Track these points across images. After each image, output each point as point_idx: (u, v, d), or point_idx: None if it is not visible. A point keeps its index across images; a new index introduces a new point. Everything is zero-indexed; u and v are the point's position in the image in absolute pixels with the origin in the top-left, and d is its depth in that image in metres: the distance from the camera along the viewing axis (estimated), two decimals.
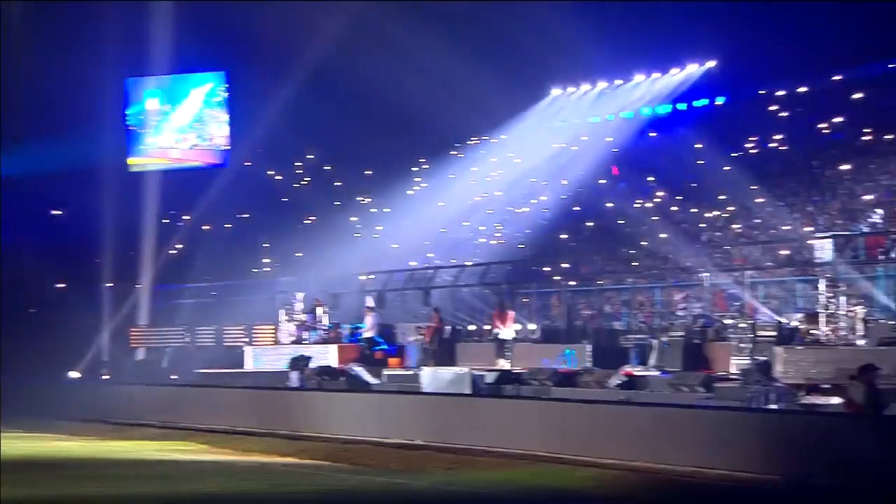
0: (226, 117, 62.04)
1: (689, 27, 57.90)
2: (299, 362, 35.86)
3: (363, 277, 46.86)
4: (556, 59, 61.78)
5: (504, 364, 34.15)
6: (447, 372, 32.82)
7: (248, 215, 64.30)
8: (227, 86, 63.08)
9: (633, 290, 40.94)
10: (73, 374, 46.15)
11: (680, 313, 38.95)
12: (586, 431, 24.71)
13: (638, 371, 30.49)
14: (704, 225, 46.71)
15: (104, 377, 44.42)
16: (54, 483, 22.87)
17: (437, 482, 22.69)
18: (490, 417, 27.48)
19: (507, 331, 35.46)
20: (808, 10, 55.45)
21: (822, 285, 29.38)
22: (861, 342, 27.80)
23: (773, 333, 30.01)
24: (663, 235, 47.99)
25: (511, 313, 36.16)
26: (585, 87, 63.44)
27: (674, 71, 61.16)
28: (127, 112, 63.24)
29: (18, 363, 46.07)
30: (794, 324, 30.99)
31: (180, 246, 61.00)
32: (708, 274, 37.40)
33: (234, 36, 60.86)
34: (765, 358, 26.64)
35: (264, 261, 60.40)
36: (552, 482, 22.08)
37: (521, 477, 22.73)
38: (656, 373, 30.34)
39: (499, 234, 55.90)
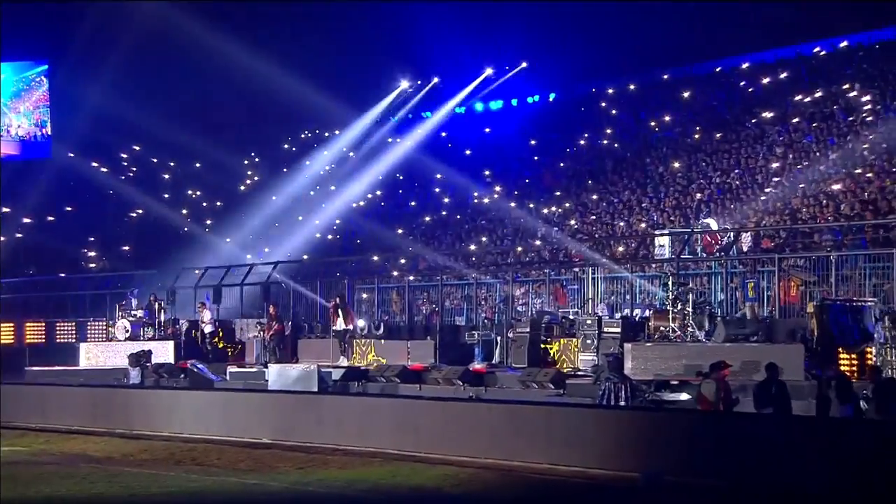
0: (27, 107, 61.82)
1: (523, 24, 59.06)
2: (140, 358, 35.31)
3: (197, 272, 46.17)
4: (396, 55, 62.62)
5: (346, 361, 34.04)
6: (293, 369, 32.60)
7: (71, 208, 63.41)
8: (47, 73, 62.63)
9: (475, 286, 40.91)
10: None
11: (521, 308, 39.24)
12: (438, 429, 24.59)
13: (486, 367, 30.49)
14: (541, 220, 46.95)
15: None
16: None
17: (292, 482, 22.42)
18: (339, 415, 27.15)
19: (346, 325, 35.18)
20: (636, 9, 56.95)
21: (669, 282, 29.63)
22: (705, 338, 28.20)
23: (619, 329, 29.97)
24: (504, 230, 48.77)
25: (350, 310, 36.00)
26: (434, 80, 64.14)
27: (506, 67, 62.19)
28: None
29: None
30: (638, 319, 31.38)
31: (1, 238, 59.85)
32: (548, 270, 37.55)
33: (58, 27, 60.17)
34: (615, 353, 26.81)
35: (90, 254, 59.46)
36: (407, 481, 21.99)
37: (376, 475, 22.53)
38: (504, 369, 30.40)
39: (335, 229, 55.96)
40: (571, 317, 33.54)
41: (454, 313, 41.54)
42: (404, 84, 63.78)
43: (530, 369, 29.05)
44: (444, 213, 54.02)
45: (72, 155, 63.52)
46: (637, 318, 31.57)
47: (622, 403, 24.05)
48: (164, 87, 62.59)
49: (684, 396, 24.63)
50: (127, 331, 39.32)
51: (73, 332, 41.25)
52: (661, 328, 28.73)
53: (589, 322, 30.93)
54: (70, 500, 21.40)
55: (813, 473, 18.75)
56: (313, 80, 57.70)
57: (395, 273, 45.04)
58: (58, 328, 41.56)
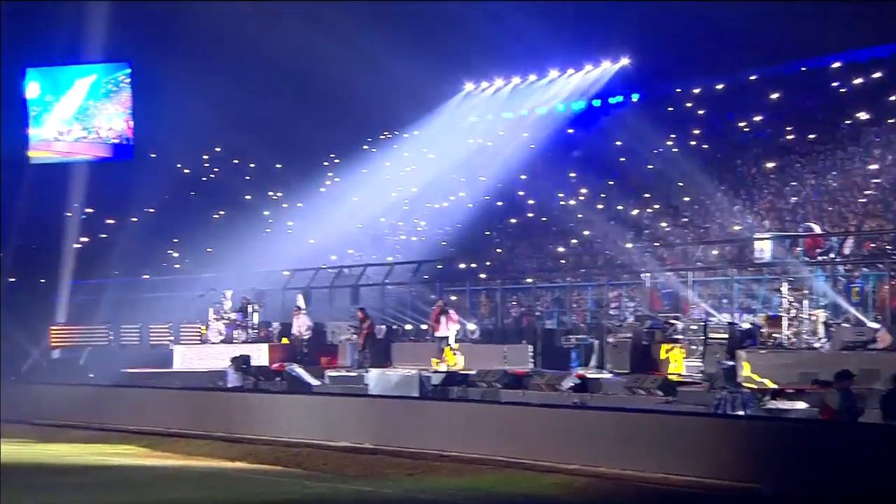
0: (117, 109, 61.43)
1: (603, 24, 58.52)
2: (241, 362, 35.49)
3: (286, 274, 46.37)
4: (469, 54, 62.14)
5: (444, 366, 33.75)
6: (394, 374, 32.67)
7: (153, 209, 63.71)
8: (130, 76, 62.59)
9: (565, 289, 40.81)
10: None
11: (613, 312, 39.06)
12: (546, 436, 24.36)
13: (591, 373, 30.14)
14: (630, 223, 46.74)
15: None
16: (9, 493, 22.19)
17: (405, 490, 22.35)
18: (444, 421, 27.03)
19: (447, 331, 35.00)
20: (724, 9, 56.22)
21: (784, 287, 29.14)
22: (820, 345, 27.81)
23: (725, 336, 29.65)
24: (587, 233, 48.44)
25: (452, 313, 35.63)
26: (499, 82, 63.74)
27: (588, 67, 61.63)
28: (30, 102, 62.55)
29: None
30: (746, 325, 30.90)
31: (85, 239, 60.30)
32: (648, 273, 37.28)
33: (139, 27, 60.35)
34: (731, 363, 26.34)
35: (173, 255, 59.76)
36: (521, 489, 21.88)
37: (489, 483, 22.48)
38: (608, 375, 30.05)
39: (420, 231, 55.84)
40: (673, 321, 33.22)
41: (544, 317, 41.45)
42: (469, 86, 63.67)
43: (637, 375, 28.80)
44: (529, 214, 53.84)
45: (153, 156, 63.95)
46: (743, 325, 31.17)
47: (739, 413, 23.65)
48: (245, 89, 62.71)
49: (801, 405, 24.09)
50: (221, 333, 39.51)
51: (167, 334, 41.46)
52: (774, 335, 28.26)
53: (694, 328, 30.63)
54: None
55: None
56: (390, 79, 57.88)
57: (483, 276, 45.06)
58: (151, 330, 41.83)
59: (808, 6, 53.22)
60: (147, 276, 53.77)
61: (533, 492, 21.64)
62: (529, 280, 42.09)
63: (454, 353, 35.23)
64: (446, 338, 34.68)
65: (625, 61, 60.12)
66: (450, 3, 56.57)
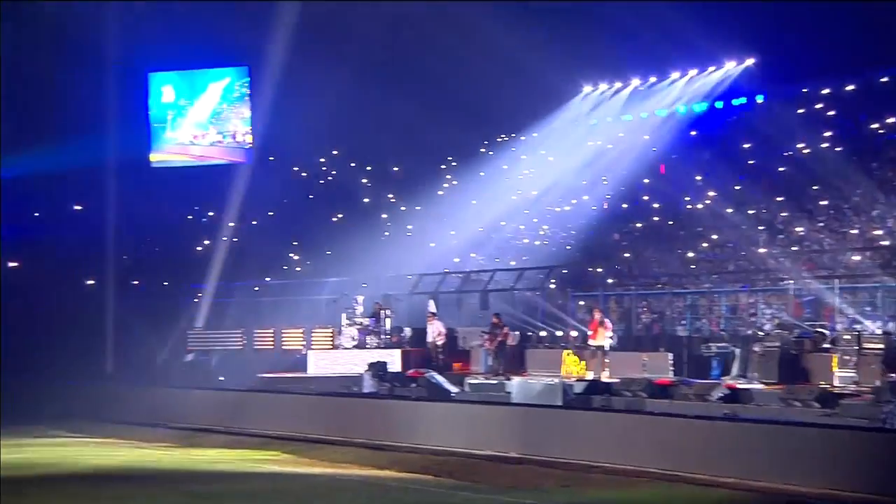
0: (248, 113, 61.83)
1: (727, 24, 57.84)
2: (377, 368, 35.54)
3: (410, 278, 46.49)
4: (588, 56, 61.78)
5: (603, 374, 33.37)
6: (537, 382, 32.18)
7: (272, 213, 64.17)
8: (249, 80, 62.98)
9: (699, 295, 40.53)
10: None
11: (751, 319, 38.65)
12: (701, 448, 23.95)
13: (741, 384, 29.50)
14: (763, 227, 46.17)
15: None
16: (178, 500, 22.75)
17: (566, 502, 22.20)
18: (590, 431, 26.80)
19: (603, 339, 34.43)
20: (853, 8, 55.37)
21: None
22: None
23: (881, 346, 28.85)
24: (715, 237, 47.96)
25: (607, 322, 35.08)
26: (618, 85, 63.40)
27: (711, 69, 61.03)
28: (152, 105, 63.23)
29: (57, 362, 46.14)
30: None
31: (207, 242, 60.88)
32: (793, 280, 36.72)
33: (256, 30, 60.72)
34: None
35: (294, 258, 60.11)
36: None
37: (649, 497, 22.22)
38: (758, 385, 29.38)
39: (543, 235, 55.61)
40: (820, 330, 32.66)
41: (675, 323, 41.13)
42: (587, 88, 63.34)
43: (791, 387, 28.00)
44: (654, 218, 53.42)
45: (272, 159, 64.44)
46: None
47: None
48: (363, 92, 62.86)
49: None
50: (353, 339, 39.60)
51: (300, 339, 41.68)
52: None
53: (847, 337, 29.97)
54: None
55: None
56: (508, 82, 57.94)
57: (610, 280, 44.84)
58: (284, 335, 42.11)
59: None
60: (269, 279, 54.17)
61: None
62: (660, 285, 41.74)
63: (580, 362, 35.27)
64: (602, 346, 34.23)
65: (749, 62, 59.44)
66: (568, 4, 56.53)
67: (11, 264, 58.25)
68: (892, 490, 20.37)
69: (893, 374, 25.75)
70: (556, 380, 31.93)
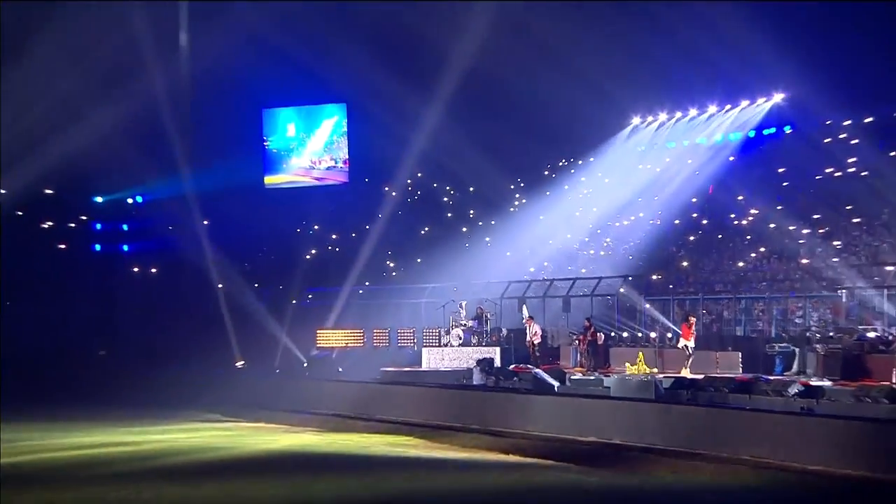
0: (344, 142, 62.75)
1: (758, 63, 57.35)
2: (486, 364, 35.47)
3: (492, 283, 46.43)
4: (637, 90, 61.45)
5: (687, 372, 32.73)
6: (632, 378, 31.91)
7: (368, 226, 64.24)
8: (346, 117, 63.88)
9: (756, 300, 40.18)
10: (239, 363, 46.34)
11: (798, 321, 38.28)
12: (787, 438, 23.35)
13: (814, 381, 28.70)
14: (802, 241, 45.66)
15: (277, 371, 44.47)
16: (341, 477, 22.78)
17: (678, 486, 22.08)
18: (683, 422, 26.09)
19: (690, 341, 33.81)
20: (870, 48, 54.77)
21: None
22: None
23: None
24: (762, 249, 47.55)
25: (693, 324, 34.41)
26: (662, 117, 63.10)
27: (744, 103, 60.68)
28: (267, 138, 63.83)
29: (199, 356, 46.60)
30: None
31: (314, 251, 61.19)
32: (845, 289, 36.22)
33: (352, 71, 60.91)
34: None
35: (390, 265, 60.14)
36: (780, 484, 21.40)
37: (749, 479, 21.94)
38: (828, 383, 28.56)
39: (606, 246, 55.38)
40: (875, 333, 32.10)
41: (732, 325, 40.79)
42: (635, 120, 63.08)
43: (862, 384, 27.31)
44: (700, 233, 53.15)
45: (367, 180, 64.73)
46: None
47: None
48: (444, 121, 62.77)
49: None
50: (460, 338, 39.46)
51: (412, 337, 41.63)
52: None
53: None
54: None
55: None
56: (569, 113, 57.80)
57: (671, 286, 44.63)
58: (399, 333, 42.07)
59: None
60: (368, 284, 54.13)
61: (796, 487, 21.13)
62: (718, 290, 41.46)
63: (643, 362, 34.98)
64: (688, 345, 33.72)
65: (778, 97, 59.03)
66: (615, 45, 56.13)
67: (153, 270, 59.06)
68: None
69: None
70: (650, 376, 31.52)
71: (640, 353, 35.81)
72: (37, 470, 24.44)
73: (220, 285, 54.30)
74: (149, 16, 51.11)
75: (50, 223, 59.69)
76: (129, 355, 50.93)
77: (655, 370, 34.37)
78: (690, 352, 33.54)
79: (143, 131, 53.11)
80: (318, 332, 43.59)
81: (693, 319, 34.44)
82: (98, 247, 60.79)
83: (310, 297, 53.80)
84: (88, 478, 22.97)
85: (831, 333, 32.86)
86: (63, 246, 59.44)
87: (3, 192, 54.09)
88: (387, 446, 28.37)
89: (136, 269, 60.88)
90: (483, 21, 53.06)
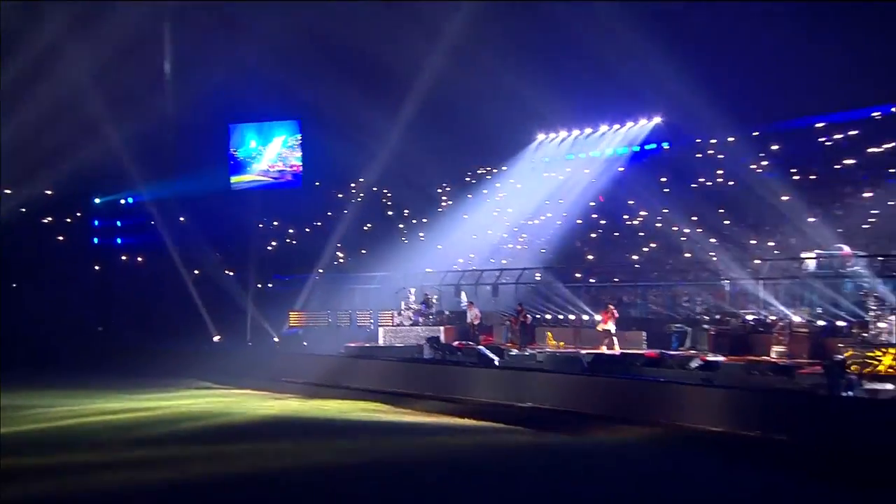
0: (298, 153, 62.84)
1: (641, 90, 57.65)
2: (434, 341, 35.53)
3: (429, 272, 46.45)
4: (540, 110, 61.52)
5: (608, 350, 32.76)
6: (561, 354, 31.93)
7: (320, 223, 63.97)
8: (300, 133, 63.91)
9: (647, 287, 40.60)
10: (216, 338, 45.88)
11: (686, 305, 38.78)
12: (686, 405, 23.43)
13: (710, 357, 28.77)
14: (683, 238, 46.26)
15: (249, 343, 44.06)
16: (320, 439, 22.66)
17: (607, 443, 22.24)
18: (603, 391, 26.11)
19: (611, 325, 33.86)
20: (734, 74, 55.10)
21: (871, 301, 27.23)
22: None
23: (807, 331, 28.84)
24: (654, 245, 48.09)
25: (614, 311, 34.42)
26: (563, 133, 63.27)
27: (630, 123, 61.07)
28: (235, 149, 63.82)
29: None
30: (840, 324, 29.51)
31: (274, 243, 60.78)
32: (727, 280, 36.62)
33: (305, 91, 60.45)
34: (839, 357, 24.91)
35: (339, 255, 59.81)
36: (668, 438, 21.78)
37: (649, 436, 22.19)
38: (722, 358, 28.55)
39: (522, 241, 55.58)
40: (753, 316, 32.59)
41: (630, 308, 40.99)
42: (540, 136, 63.18)
43: (750, 359, 27.70)
44: (600, 231, 53.57)
45: (317, 184, 64.44)
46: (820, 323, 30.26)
47: (849, 393, 22.37)
48: (382, 133, 62.36)
49: (889, 386, 22.94)
50: (410, 319, 39.55)
51: (369, 318, 41.52)
52: (863, 334, 26.90)
53: (781, 324, 29.95)
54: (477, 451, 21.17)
55: None
56: (484, 130, 57.82)
57: (578, 275, 44.92)
58: (358, 315, 41.90)
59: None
60: (321, 271, 53.75)
61: (701, 443, 21.34)
62: (617, 280, 41.70)
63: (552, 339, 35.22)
64: (608, 329, 33.73)
65: (657, 119, 59.54)
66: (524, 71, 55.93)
67: (139, 259, 58.37)
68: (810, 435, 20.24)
69: (838, 356, 25.18)
70: (574, 352, 31.64)
71: (549, 333, 36.31)
72: (62, 435, 23.84)
73: (195, 272, 53.82)
74: (137, 39, 50.79)
75: (50, 219, 59.23)
76: (123, 331, 50.29)
77: (563, 343, 34.65)
78: (613, 332, 33.65)
79: (135, 144, 52.54)
80: (290, 312, 43.12)
81: (612, 307, 34.62)
82: (96, 240, 60.75)
83: (271, 284, 53.38)
84: (121, 442, 22.55)
85: (718, 316, 33.34)
86: (61, 238, 59.03)
87: (9, 191, 53.35)
88: (361, 412, 28.13)
89: (126, 258, 60.66)
90: (420, 44, 52.97)
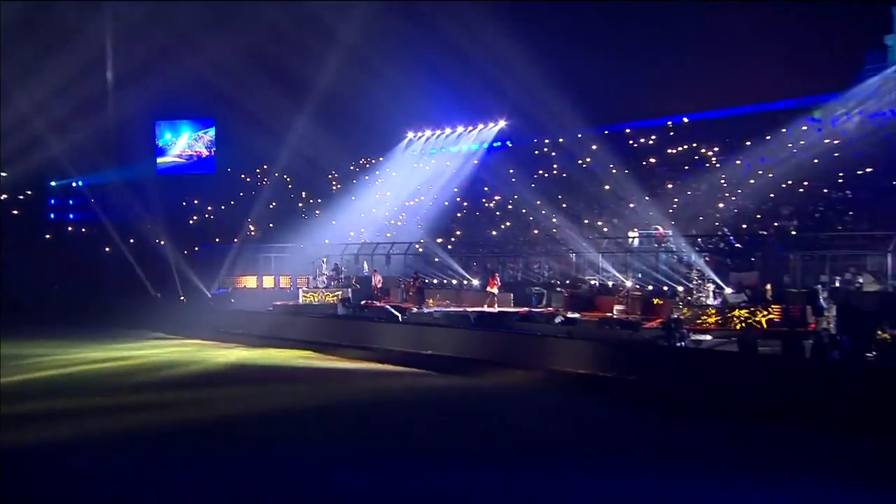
0: (201, 144, 63.20)
1: (488, 99, 58.11)
2: (345, 301, 35.14)
3: (335, 244, 45.94)
4: (410, 113, 61.51)
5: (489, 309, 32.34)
6: (455, 312, 31.67)
7: (233, 202, 62.59)
8: (214, 128, 62.77)
9: (507, 256, 40.92)
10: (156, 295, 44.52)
11: (536, 270, 39.16)
12: (553, 352, 23.33)
13: (570, 314, 28.67)
14: (532, 218, 46.84)
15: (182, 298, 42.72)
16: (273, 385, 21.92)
17: (493, 382, 22.17)
18: (488, 341, 25.80)
19: (494, 289, 33.55)
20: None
21: (694, 273, 27.35)
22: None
23: (639, 293, 29.25)
24: (509, 223, 48.61)
25: (497, 277, 34.26)
26: (428, 132, 63.46)
27: (480, 126, 61.59)
28: (158, 140, 62.34)
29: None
30: (664, 288, 29.41)
31: (196, 218, 59.27)
32: (574, 252, 36.89)
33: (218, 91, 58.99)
34: (675, 315, 24.90)
35: (251, 227, 58.58)
36: (540, 380, 21.56)
37: (523, 378, 21.90)
38: (577, 315, 28.51)
39: (402, 219, 55.38)
40: (595, 281, 33.04)
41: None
42: (410, 134, 63.24)
43: (597, 316, 28.00)
44: (465, 212, 53.80)
45: (229, 170, 63.14)
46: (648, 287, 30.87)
47: (681, 343, 22.84)
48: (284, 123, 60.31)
49: (707, 337, 23.67)
50: (324, 282, 39.15)
51: (289, 282, 40.85)
52: (689, 297, 26.86)
53: (621, 288, 30.40)
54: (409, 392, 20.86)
55: None
56: (367, 123, 57.47)
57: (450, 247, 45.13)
58: (280, 279, 41.16)
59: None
60: (235, 241, 52.48)
61: (569, 382, 21.23)
62: (481, 249, 42.05)
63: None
64: (493, 292, 33.44)
65: (502, 123, 60.29)
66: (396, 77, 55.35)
67: (83, 230, 56.15)
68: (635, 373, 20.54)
69: (674, 315, 25.21)
70: (463, 310, 31.56)
71: (432, 298, 36.01)
72: (67, 383, 22.40)
73: (131, 240, 52.12)
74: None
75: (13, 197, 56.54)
76: (76, 290, 48.08)
77: (448, 302, 34.48)
78: (496, 294, 33.41)
79: (84, 136, 50.48)
80: (224, 277, 42.00)
81: (497, 274, 34.65)
82: (52, 216, 59.12)
83: (197, 249, 52.00)
84: (122, 388, 21.37)
85: (568, 281, 33.94)
86: (16, 212, 56.23)
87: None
88: (300, 359, 27.49)
89: (77, 230, 58.51)
90: (318, 51, 52.19)
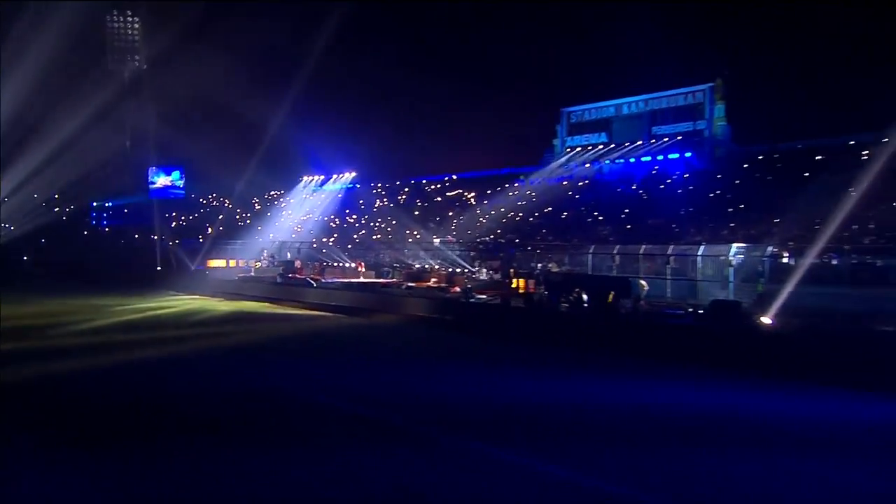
0: (179, 184, 57.04)
1: (342, 155, 56.98)
2: (282, 275, 33.11)
3: (273, 242, 44.11)
4: (304, 162, 59.98)
5: (363, 279, 31.06)
6: (346, 282, 30.25)
7: (196, 215, 58.23)
8: (181, 172, 58.27)
9: (365, 250, 40.52)
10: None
11: (386, 259, 39.21)
12: (394, 302, 22.36)
13: (411, 284, 27.54)
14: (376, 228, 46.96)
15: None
16: (249, 325, 19.42)
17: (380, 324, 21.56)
18: (370, 298, 24.71)
19: (362, 269, 32.67)
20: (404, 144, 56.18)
21: (476, 264, 26.54)
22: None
23: (443, 272, 28.80)
24: (376, 237, 48.01)
25: (362, 262, 33.28)
26: (316, 177, 62.27)
27: (341, 175, 61.14)
28: (150, 178, 56.72)
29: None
30: (458, 270, 29.28)
31: (175, 223, 54.50)
32: (406, 249, 36.86)
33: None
34: (468, 285, 23.26)
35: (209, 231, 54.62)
36: (381, 320, 20.08)
37: (382, 319, 20.14)
38: (413, 283, 27.44)
39: (300, 231, 53.35)
40: (418, 265, 32.67)
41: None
42: (305, 178, 61.93)
43: (423, 286, 27.22)
44: (340, 225, 53.04)
45: (193, 196, 58.79)
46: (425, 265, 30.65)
47: (469, 300, 21.38)
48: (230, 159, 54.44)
49: (483, 296, 21.74)
50: (267, 263, 37.42)
51: (245, 262, 38.64)
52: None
53: (438, 268, 30.34)
54: (339, 328, 18.95)
55: None
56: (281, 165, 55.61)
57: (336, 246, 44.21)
58: (239, 262, 38.80)
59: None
60: (201, 238, 48.95)
61: (415, 321, 19.95)
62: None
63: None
64: (361, 271, 32.52)
65: (353, 173, 60.34)
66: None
67: (107, 229, 50.11)
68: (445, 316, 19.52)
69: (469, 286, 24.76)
70: (348, 281, 30.64)
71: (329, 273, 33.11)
72: (151, 320, 19.47)
73: (136, 235, 47.49)
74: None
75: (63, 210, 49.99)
76: (107, 265, 42.78)
77: (338, 276, 32.57)
78: (363, 271, 32.55)
79: (110, 174, 45.26)
80: (208, 260, 39.15)
81: (362, 262, 33.63)
82: (93, 222, 53.33)
83: (179, 241, 48.06)
84: (185, 324, 18.80)
85: (404, 264, 33.65)
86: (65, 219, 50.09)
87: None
88: (265, 308, 25.68)
89: (105, 231, 52.15)
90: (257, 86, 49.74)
